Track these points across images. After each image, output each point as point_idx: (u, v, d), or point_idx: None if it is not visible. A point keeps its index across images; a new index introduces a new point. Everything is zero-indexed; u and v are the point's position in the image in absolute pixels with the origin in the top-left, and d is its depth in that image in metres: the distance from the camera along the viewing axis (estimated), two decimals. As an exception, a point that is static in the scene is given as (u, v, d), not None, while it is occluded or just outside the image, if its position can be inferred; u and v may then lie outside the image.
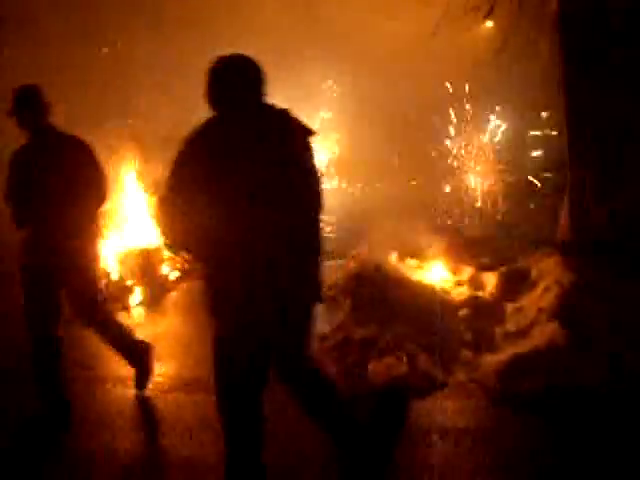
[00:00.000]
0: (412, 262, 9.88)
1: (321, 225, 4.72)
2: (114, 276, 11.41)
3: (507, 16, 10.26)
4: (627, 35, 8.85)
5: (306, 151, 4.63)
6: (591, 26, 9.01)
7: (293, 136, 4.57)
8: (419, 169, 16.99)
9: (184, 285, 11.85)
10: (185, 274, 12.11)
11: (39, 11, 16.83)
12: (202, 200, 4.35)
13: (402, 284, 8.67)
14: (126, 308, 10.77)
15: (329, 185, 19.48)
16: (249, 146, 4.44)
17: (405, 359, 7.23)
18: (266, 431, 4.82)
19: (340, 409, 4.84)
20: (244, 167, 4.38)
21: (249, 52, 4.72)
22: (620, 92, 8.91)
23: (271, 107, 4.63)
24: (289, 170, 4.49)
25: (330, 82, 20.43)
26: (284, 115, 4.62)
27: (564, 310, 7.53)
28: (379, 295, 8.46)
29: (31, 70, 14.14)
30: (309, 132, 4.62)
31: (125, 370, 7.39)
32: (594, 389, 6.45)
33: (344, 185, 19.92)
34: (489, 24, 12.01)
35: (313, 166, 4.66)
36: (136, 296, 11.18)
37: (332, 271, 9.91)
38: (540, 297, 8.05)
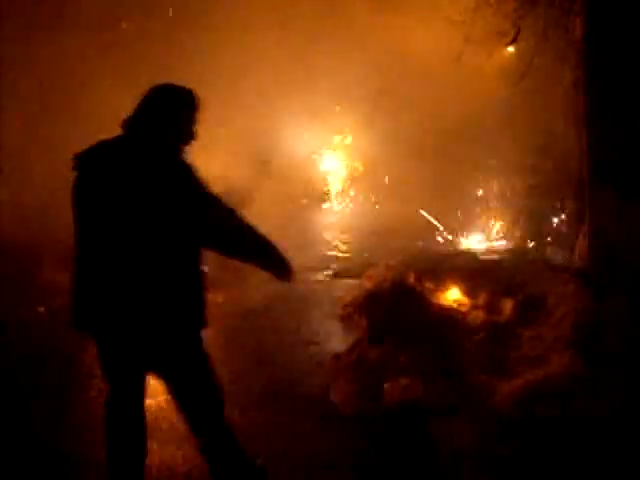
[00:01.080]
0: (429, 284, 9.88)
1: (204, 253, 4.58)
2: None
3: (531, 42, 10.33)
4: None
5: (181, 183, 4.38)
6: (617, 54, 9.04)
7: (165, 171, 4.40)
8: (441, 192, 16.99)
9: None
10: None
11: None
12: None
13: (418, 305, 8.68)
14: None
15: (349, 203, 19.60)
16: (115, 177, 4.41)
17: (421, 381, 7.21)
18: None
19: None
20: (105, 196, 4.40)
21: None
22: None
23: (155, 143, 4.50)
24: (159, 202, 4.34)
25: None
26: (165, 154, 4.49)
27: (581, 339, 7.50)
28: (395, 315, 8.47)
29: None
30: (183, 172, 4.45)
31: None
32: (608, 420, 6.40)
33: (362, 203, 19.98)
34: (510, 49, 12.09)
35: (194, 198, 4.41)
36: None
37: (348, 290, 9.98)
38: (557, 324, 8.04)
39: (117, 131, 4.53)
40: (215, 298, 11.50)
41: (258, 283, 11.11)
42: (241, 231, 4.55)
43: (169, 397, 4.71)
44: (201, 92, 4.67)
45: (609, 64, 9.09)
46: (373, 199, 20.22)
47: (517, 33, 10.01)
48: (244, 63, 17.69)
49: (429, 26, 14.43)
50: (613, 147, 9.27)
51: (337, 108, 20.47)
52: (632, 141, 9.20)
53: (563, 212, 12.61)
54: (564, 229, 11.87)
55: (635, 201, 9.15)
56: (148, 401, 4.82)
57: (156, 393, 6.72)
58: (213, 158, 13.28)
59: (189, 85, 4.71)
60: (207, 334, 4.62)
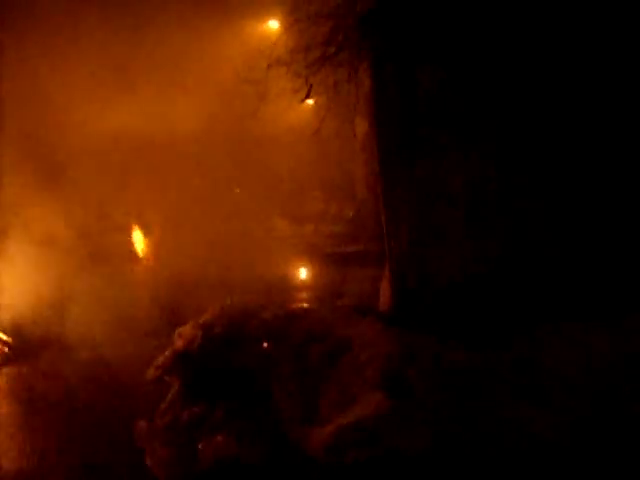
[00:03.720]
0: (238, 337, 9.89)
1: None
2: None
3: (324, 97, 10.77)
4: (431, 115, 9.52)
5: None
6: (400, 108, 9.63)
7: None
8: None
9: (7, 371, 11.27)
10: (7, 359, 11.56)
11: None
12: None
13: (229, 360, 8.70)
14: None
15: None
16: None
17: (234, 437, 7.21)
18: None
19: None
20: None
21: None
22: (428, 165, 9.53)
23: None
24: None
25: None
26: None
27: (387, 381, 7.77)
28: (207, 372, 8.44)
29: None
30: None
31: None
32: (415, 457, 6.66)
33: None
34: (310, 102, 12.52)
35: None
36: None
37: (157, 351, 9.81)
38: (364, 367, 8.26)
39: None
40: None
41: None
42: None
43: None
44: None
45: (394, 116, 9.66)
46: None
47: (309, 90, 10.38)
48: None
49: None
50: (404, 193, 9.78)
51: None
52: (423, 188, 9.76)
53: (365, 257, 13.09)
54: (370, 274, 12.28)
55: (430, 244, 9.68)
56: None
57: None
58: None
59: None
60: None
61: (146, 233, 21.11)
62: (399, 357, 8.27)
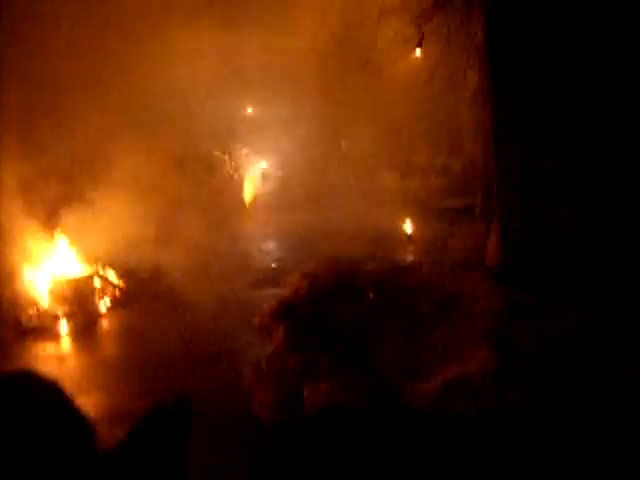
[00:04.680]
0: (346, 288, 9.94)
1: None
2: (44, 305, 11.21)
3: (436, 47, 10.55)
4: (549, 64, 9.22)
5: None
6: (517, 58, 9.35)
7: None
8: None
9: (116, 314, 11.67)
10: (117, 303, 11.97)
11: None
12: None
13: (334, 310, 8.75)
14: (56, 337, 10.54)
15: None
16: None
17: (341, 385, 7.26)
18: None
19: None
20: None
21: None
22: (541, 118, 9.28)
23: None
24: None
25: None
26: None
27: (493, 336, 7.70)
28: (312, 322, 8.52)
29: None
30: None
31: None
32: (522, 410, 6.60)
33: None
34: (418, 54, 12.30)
35: None
36: (66, 325, 10.96)
37: (265, 299, 9.97)
38: (469, 322, 8.22)
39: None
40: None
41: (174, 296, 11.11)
42: None
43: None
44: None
45: (510, 68, 9.39)
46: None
47: (421, 38, 10.19)
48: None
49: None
50: (518, 148, 9.56)
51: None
52: (536, 142, 9.52)
53: (474, 211, 12.89)
54: (476, 229, 12.10)
55: (541, 201, 9.46)
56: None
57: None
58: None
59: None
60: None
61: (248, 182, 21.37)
62: (505, 313, 8.17)
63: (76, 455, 3.34)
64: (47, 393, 3.35)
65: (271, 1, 16.65)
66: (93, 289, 11.86)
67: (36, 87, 13.04)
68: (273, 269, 13.12)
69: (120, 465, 3.56)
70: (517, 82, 9.45)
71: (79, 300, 11.51)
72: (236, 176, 20.68)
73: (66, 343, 10.46)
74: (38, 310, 10.97)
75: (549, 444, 6.12)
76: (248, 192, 21.28)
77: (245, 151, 21.29)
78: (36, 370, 2.40)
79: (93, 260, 12.35)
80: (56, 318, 11.05)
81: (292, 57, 16.79)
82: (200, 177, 17.93)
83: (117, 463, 3.54)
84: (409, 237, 14.97)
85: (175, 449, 3.80)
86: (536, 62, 9.34)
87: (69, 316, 11.16)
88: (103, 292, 11.98)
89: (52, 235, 12.29)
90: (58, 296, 11.41)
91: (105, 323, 11.37)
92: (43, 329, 10.53)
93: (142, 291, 12.20)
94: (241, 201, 20.74)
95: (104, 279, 12.24)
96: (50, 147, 13.11)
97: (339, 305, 9.07)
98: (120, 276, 12.49)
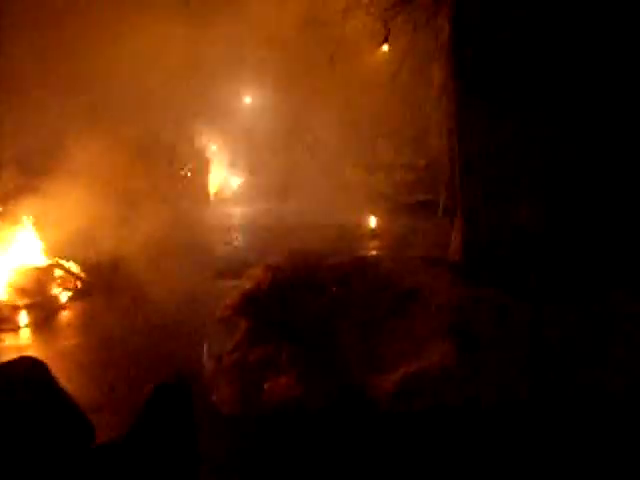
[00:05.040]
0: (307, 282, 9.93)
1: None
2: (3, 295, 11.07)
3: (402, 43, 10.57)
4: (512, 67, 9.28)
5: None
6: (481, 54, 9.39)
7: None
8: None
9: (77, 305, 11.56)
10: (78, 294, 11.86)
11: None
12: None
13: (297, 304, 8.74)
14: (15, 328, 10.41)
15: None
16: None
17: (301, 379, 7.27)
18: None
19: None
20: None
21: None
22: (504, 114, 9.34)
23: None
24: None
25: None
26: None
27: (454, 331, 7.74)
28: (274, 315, 8.50)
29: None
30: None
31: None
32: (481, 407, 6.65)
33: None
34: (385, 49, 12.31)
35: None
36: (26, 316, 10.83)
37: (228, 291, 9.93)
38: (431, 317, 8.24)
39: None
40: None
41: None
42: None
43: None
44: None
45: (475, 65, 9.43)
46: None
47: (387, 33, 10.19)
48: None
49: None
50: (481, 144, 9.60)
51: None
52: (499, 138, 9.57)
53: (437, 208, 12.96)
54: (440, 224, 12.17)
55: (504, 196, 9.53)
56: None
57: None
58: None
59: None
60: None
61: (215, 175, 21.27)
62: (467, 308, 8.22)
63: (75, 441, 3.37)
64: (45, 381, 3.46)
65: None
66: (53, 279, 11.74)
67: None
68: (236, 261, 13.07)
69: (132, 449, 3.59)
70: (481, 78, 9.48)
71: (39, 291, 11.40)
72: (200, 167, 20.59)
73: (25, 334, 10.34)
74: (-4, 301, 10.85)
75: (510, 438, 6.19)
76: (213, 183, 21.19)
77: (208, 141, 21.21)
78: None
79: (53, 251, 12.23)
80: (16, 309, 10.92)
81: (254, 46, 16.75)
82: (163, 167, 17.81)
83: (128, 447, 3.59)
84: (373, 231, 15.01)
85: (182, 429, 3.87)
86: (501, 59, 9.37)
87: (29, 307, 11.04)
88: (64, 283, 11.86)
89: (11, 226, 12.15)
90: (18, 287, 11.28)
91: (65, 314, 11.27)
92: (2, 320, 10.40)
93: (103, 282, 12.11)
94: (206, 192, 20.65)
95: (65, 270, 12.12)
96: (9, 137, 12.97)
97: (301, 298, 9.04)
98: (81, 267, 12.38)
